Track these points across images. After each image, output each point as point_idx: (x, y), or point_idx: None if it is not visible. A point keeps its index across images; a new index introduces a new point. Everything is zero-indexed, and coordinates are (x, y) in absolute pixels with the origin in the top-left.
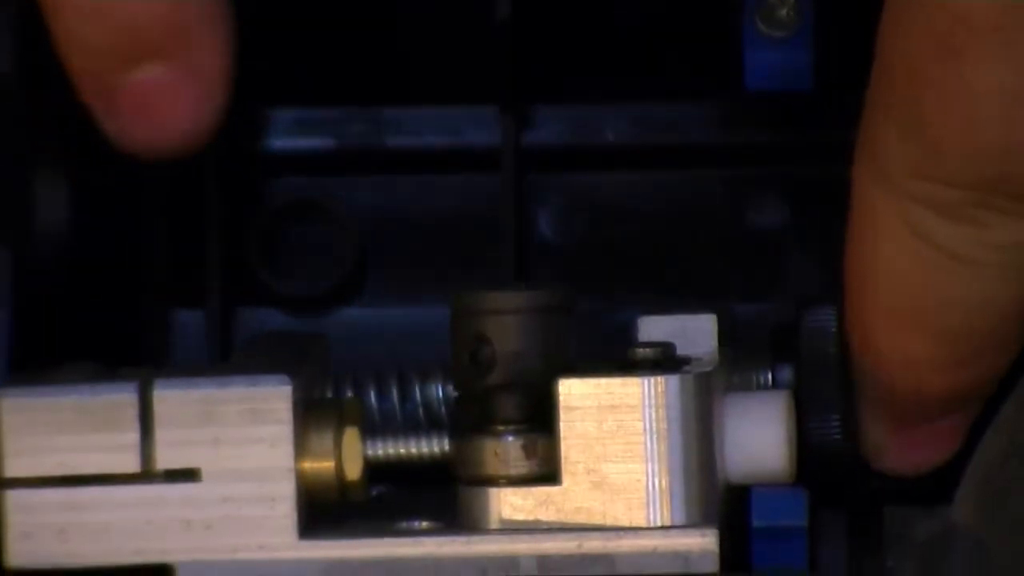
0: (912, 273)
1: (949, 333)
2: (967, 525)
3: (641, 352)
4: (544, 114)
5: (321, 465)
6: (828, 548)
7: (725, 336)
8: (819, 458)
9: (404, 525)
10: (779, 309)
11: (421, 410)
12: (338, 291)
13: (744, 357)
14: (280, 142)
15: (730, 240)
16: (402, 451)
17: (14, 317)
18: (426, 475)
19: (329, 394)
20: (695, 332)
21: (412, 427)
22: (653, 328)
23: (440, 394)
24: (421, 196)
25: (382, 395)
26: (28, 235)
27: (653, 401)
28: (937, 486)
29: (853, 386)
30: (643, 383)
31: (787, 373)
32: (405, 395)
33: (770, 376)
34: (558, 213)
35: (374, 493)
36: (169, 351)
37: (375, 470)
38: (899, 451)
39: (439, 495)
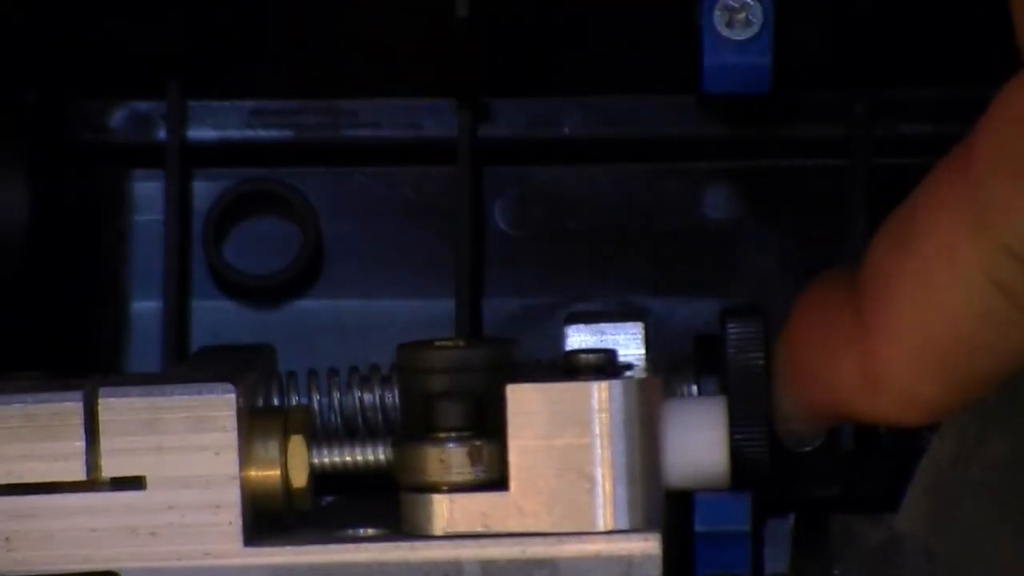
0: (966, 321)
1: (967, 380)
2: (915, 532)
3: (584, 358)
4: (501, 107)
5: (267, 473)
6: (774, 557)
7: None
8: (747, 468)
9: (349, 532)
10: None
11: (360, 418)
12: (294, 282)
13: (670, 367)
14: (238, 133)
15: (684, 233)
16: (348, 459)
17: None
18: (373, 484)
19: (275, 399)
20: (622, 339)
21: (357, 434)
22: (582, 337)
23: (378, 401)
24: (378, 188)
25: (326, 399)
26: None
27: (599, 406)
28: (883, 494)
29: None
30: (591, 388)
31: (712, 384)
32: (349, 398)
33: (695, 388)
34: (514, 205)
35: (323, 503)
36: (125, 347)
37: (321, 480)
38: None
39: (386, 503)
